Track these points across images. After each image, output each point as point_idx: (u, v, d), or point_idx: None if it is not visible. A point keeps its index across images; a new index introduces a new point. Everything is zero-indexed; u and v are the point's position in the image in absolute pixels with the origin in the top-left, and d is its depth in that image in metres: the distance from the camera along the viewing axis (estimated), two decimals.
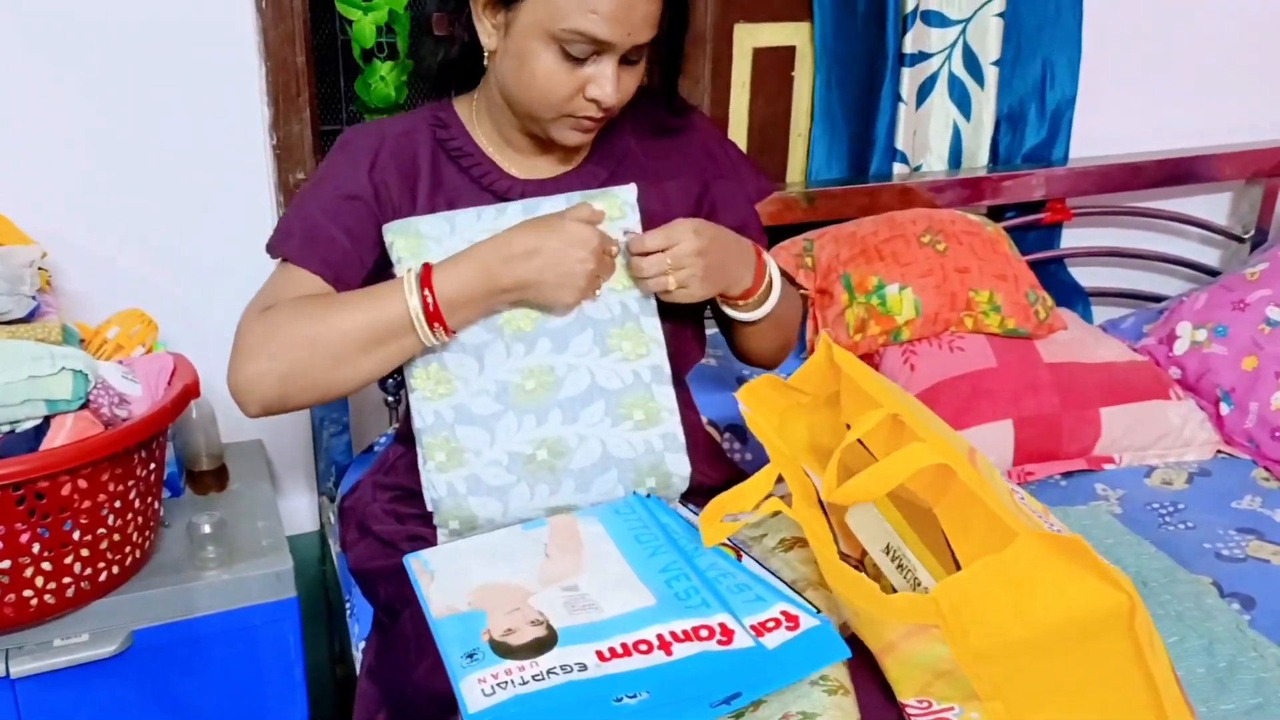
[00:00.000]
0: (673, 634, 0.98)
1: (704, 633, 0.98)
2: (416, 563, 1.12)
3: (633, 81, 1.19)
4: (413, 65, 1.71)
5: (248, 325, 1.19)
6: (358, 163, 1.25)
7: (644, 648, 0.97)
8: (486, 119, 1.28)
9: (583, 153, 1.32)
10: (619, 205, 1.26)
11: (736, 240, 1.26)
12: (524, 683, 0.93)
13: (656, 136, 1.35)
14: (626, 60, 1.16)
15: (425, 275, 1.14)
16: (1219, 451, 1.90)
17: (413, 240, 1.22)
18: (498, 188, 1.27)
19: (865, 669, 1.04)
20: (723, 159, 1.39)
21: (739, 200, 1.39)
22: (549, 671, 0.94)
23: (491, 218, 1.23)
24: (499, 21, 1.18)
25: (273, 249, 1.26)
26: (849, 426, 1.17)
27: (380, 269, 1.25)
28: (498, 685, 0.93)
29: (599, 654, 0.96)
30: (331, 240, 1.22)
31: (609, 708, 0.91)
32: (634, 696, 0.92)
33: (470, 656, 0.97)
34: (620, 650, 0.96)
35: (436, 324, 1.14)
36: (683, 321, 1.32)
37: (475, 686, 0.94)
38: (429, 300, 1.13)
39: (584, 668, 0.94)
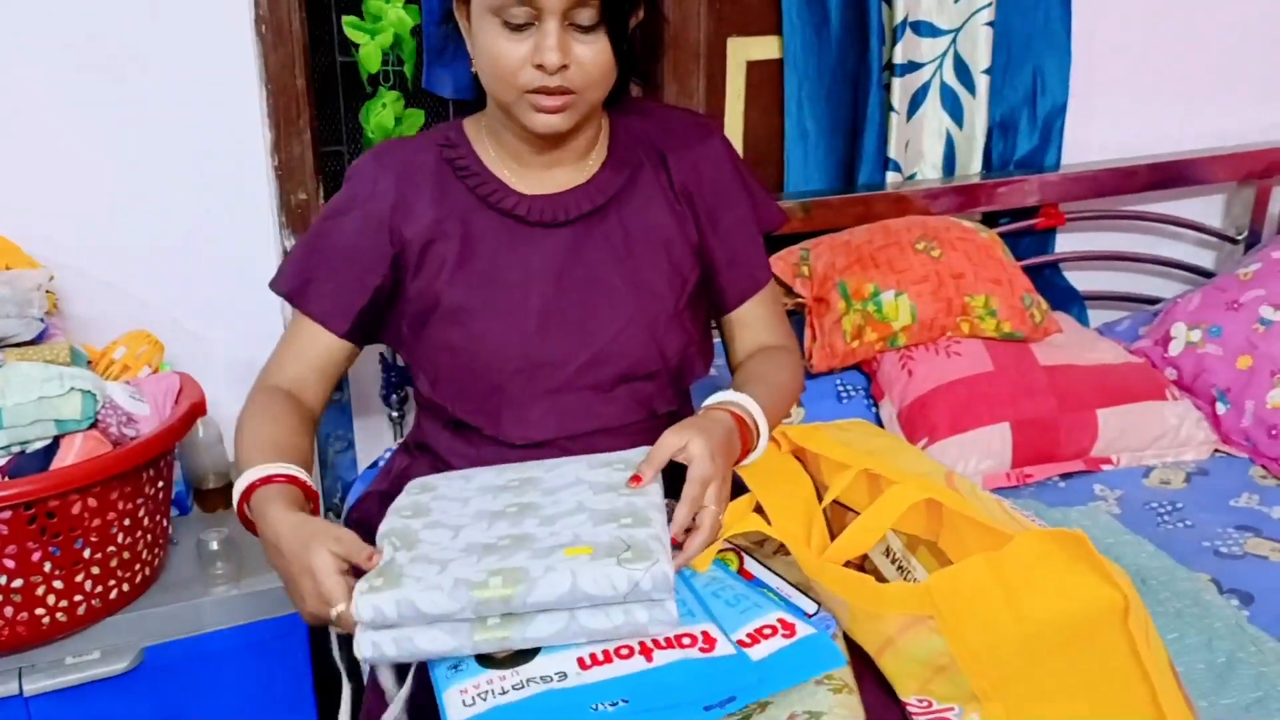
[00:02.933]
0: (654, 641, 0.99)
1: (686, 640, 0.99)
2: None
3: (589, 51, 1.14)
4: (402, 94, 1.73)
5: (249, 396, 1.28)
6: (358, 191, 1.28)
7: (625, 653, 0.98)
8: (493, 135, 1.28)
9: (593, 167, 1.29)
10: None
11: (714, 422, 1.16)
12: (503, 692, 0.95)
13: (664, 149, 1.32)
14: (577, 26, 1.14)
15: (254, 486, 1.14)
16: (1216, 450, 1.91)
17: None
18: (504, 205, 1.26)
19: (867, 669, 1.05)
20: (728, 178, 1.36)
21: (745, 226, 1.36)
22: (529, 680, 0.95)
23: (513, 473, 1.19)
24: (467, 23, 1.21)
25: (272, 285, 1.32)
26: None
27: (394, 280, 1.28)
28: (478, 696, 0.95)
29: (580, 661, 0.97)
30: (323, 282, 1.27)
31: (587, 715, 0.92)
32: (612, 704, 0.93)
33: (455, 668, 0.98)
34: (601, 657, 0.98)
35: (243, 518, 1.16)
36: (689, 334, 1.32)
37: (457, 698, 0.95)
38: (244, 507, 1.14)
39: (564, 676, 0.96)
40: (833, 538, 1.13)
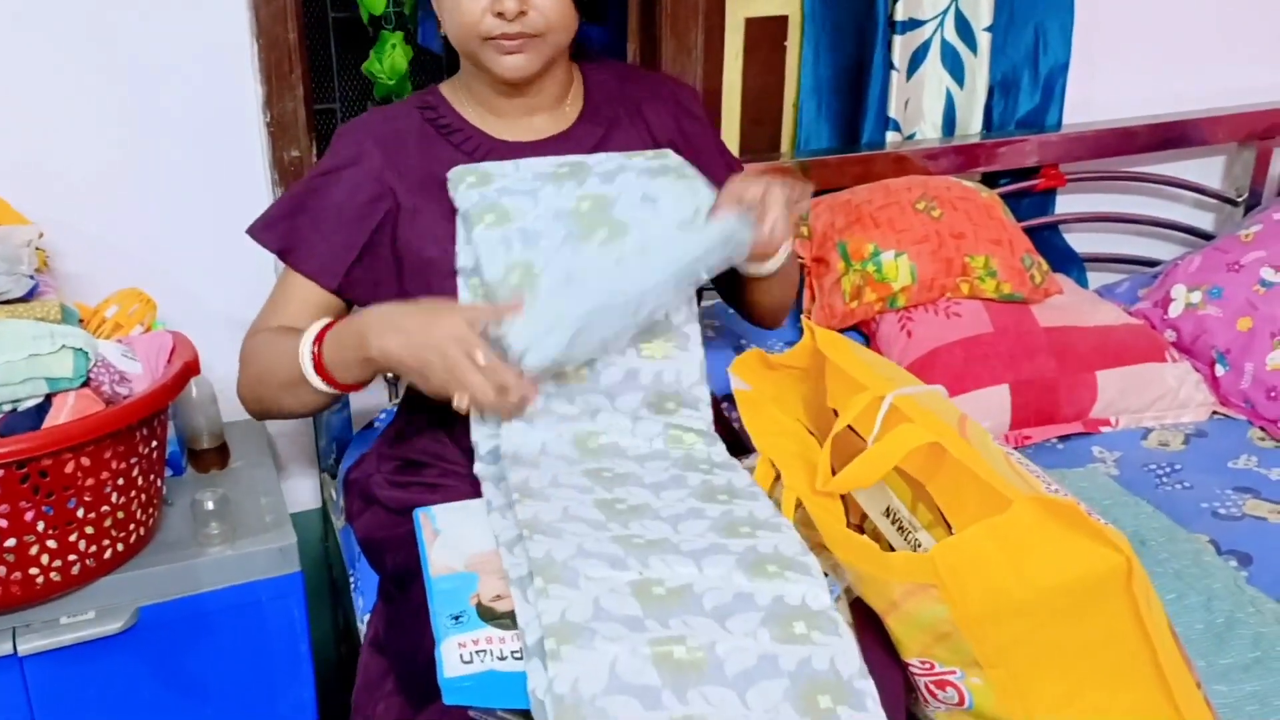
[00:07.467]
0: None
1: None
2: (425, 519, 1.13)
3: None
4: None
5: (243, 346, 1.30)
6: (344, 154, 1.29)
7: None
8: (468, 91, 1.31)
9: (572, 116, 1.34)
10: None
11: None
12: (502, 658, 0.95)
13: (640, 102, 1.37)
14: None
15: (321, 334, 1.19)
16: (1215, 412, 1.91)
17: (479, 175, 1.24)
18: (490, 157, 1.28)
19: (870, 628, 1.05)
20: (705, 132, 1.43)
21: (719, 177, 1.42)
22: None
23: (555, 167, 1.25)
24: None
25: (258, 238, 1.31)
26: (836, 412, 1.18)
27: (387, 238, 1.28)
28: (477, 653, 0.95)
29: None
30: (314, 240, 1.27)
31: None
32: None
33: (456, 619, 0.98)
34: None
35: (324, 378, 1.19)
36: None
37: (455, 650, 0.95)
38: (316, 355, 1.19)
39: None
40: (834, 466, 1.12)
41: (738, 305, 1.47)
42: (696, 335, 1.26)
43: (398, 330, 1.12)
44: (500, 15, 1.16)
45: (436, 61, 1.86)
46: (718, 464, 1.22)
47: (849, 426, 1.13)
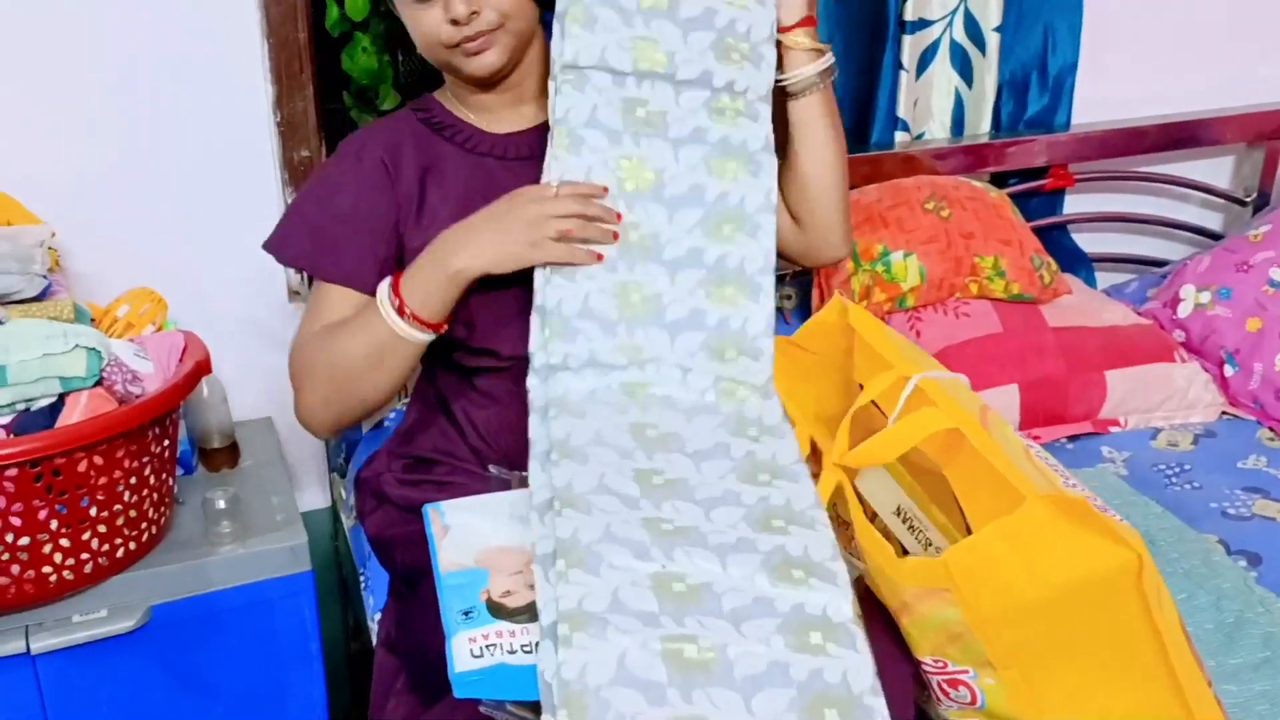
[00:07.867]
0: None
1: None
2: (435, 514, 1.14)
3: None
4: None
5: (291, 360, 1.27)
6: (348, 160, 1.29)
7: None
8: (455, 95, 1.33)
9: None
10: None
11: None
12: (512, 651, 0.95)
13: None
14: None
15: (395, 284, 1.19)
16: (1224, 413, 1.91)
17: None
18: (481, 148, 1.30)
19: (881, 623, 1.05)
20: None
21: None
22: (537, 644, 0.95)
23: None
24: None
25: (274, 250, 1.29)
26: (861, 386, 1.18)
27: (397, 235, 1.28)
28: (487, 647, 0.95)
29: None
30: (340, 244, 1.26)
31: None
32: None
33: (466, 614, 0.99)
34: None
35: (414, 321, 1.18)
36: None
37: (465, 645, 0.96)
38: (402, 307, 1.18)
39: None
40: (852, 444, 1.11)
41: (795, 203, 1.37)
42: (769, 287, 1.23)
43: (472, 231, 1.18)
44: (455, 22, 1.18)
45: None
46: (767, 427, 1.18)
47: (873, 402, 1.13)
